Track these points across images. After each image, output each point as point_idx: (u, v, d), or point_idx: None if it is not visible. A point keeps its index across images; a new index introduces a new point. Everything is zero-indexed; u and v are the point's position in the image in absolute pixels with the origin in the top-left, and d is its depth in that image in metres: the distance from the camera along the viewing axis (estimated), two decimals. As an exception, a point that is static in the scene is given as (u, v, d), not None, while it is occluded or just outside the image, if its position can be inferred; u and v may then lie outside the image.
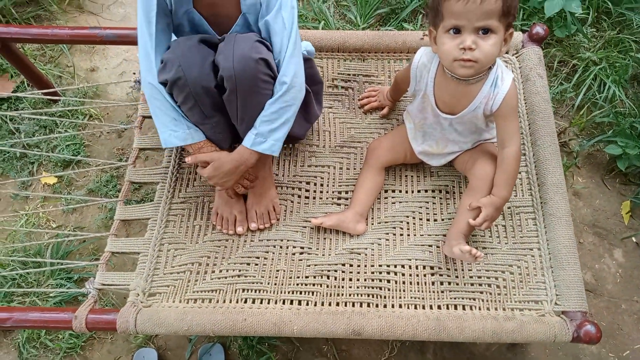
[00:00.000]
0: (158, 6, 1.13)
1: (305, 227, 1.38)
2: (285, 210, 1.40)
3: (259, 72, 1.11)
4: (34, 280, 1.67)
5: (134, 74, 2.02)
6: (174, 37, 1.25)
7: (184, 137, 1.19)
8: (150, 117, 1.50)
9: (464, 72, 1.11)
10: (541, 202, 1.36)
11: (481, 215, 1.21)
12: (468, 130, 1.30)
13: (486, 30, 1.05)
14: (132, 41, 1.52)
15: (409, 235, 1.36)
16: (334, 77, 1.57)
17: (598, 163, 1.86)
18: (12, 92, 1.94)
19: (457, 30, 1.06)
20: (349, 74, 1.57)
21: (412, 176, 1.45)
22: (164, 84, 1.14)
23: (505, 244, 1.34)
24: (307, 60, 1.33)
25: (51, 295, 1.65)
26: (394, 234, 1.37)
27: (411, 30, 1.95)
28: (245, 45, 1.10)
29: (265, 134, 1.18)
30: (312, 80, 1.36)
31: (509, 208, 1.38)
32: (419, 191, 1.43)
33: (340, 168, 1.47)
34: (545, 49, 1.96)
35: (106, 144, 1.88)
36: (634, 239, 1.75)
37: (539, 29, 1.48)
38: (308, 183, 1.44)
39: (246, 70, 1.09)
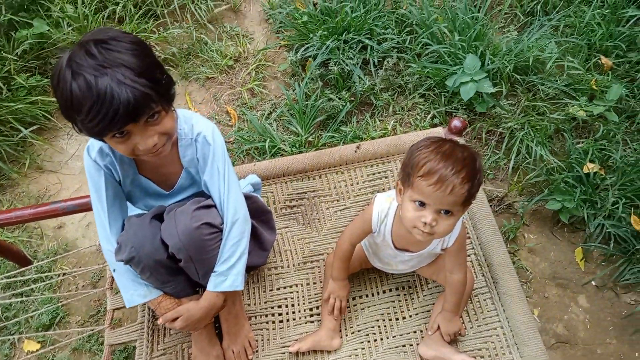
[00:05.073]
0: (106, 181, 1.24)
1: (284, 353, 1.44)
2: (262, 340, 1.47)
3: (204, 236, 1.21)
4: None
5: (100, 222, 2.11)
6: (129, 206, 1.36)
7: (144, 293, 1.28)
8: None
9: (421, 239, 1.18)
10: (494, 282, 1.47)
11: (446, 336, 1.38)
12: (425, 258, 1.41)
13: (448, 212, 1.13)
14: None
15: (382, 339, 1.44)
16: (285, 198, 1.69)
17: (544, 217, 2.00)
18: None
19: (422, 204, 1.13)
20: (298, 193, 1.70)
21: (375, 277, 1.55)
22: (121, 261, 1.23)
23: (471, 327, 1.43)
24: (249, 198, 1.42)
25: None
26: (369, 341, 1.44)
27: (348, 131, 2.12)
28: (185, 218, 1.21)
29: (225, 272, 1.26)
30: (259, 211, 1.47)
31: (467, 293, 1.48)
32: (384, 291, 1.52)
33: (308, 284, 1.56)
34: (471, 124, 2.14)
35: (83, 299, 1.94)
36: (593, 282, 1.86)
37: (457, 123, 1.64)
38: (279, 307, 1.52)
39: (193, 239, 1.20)
